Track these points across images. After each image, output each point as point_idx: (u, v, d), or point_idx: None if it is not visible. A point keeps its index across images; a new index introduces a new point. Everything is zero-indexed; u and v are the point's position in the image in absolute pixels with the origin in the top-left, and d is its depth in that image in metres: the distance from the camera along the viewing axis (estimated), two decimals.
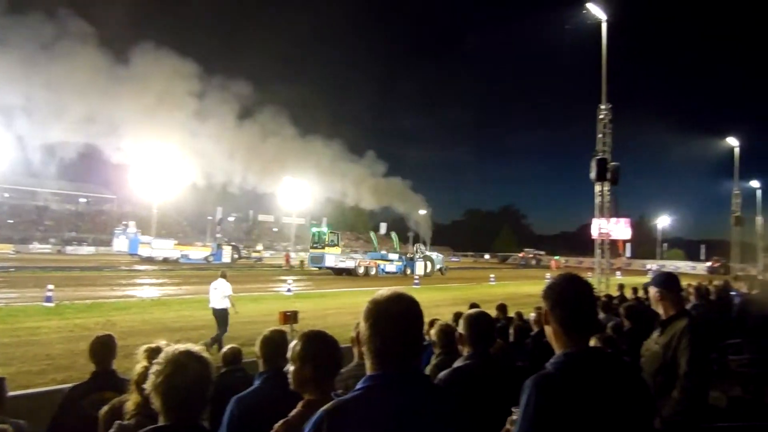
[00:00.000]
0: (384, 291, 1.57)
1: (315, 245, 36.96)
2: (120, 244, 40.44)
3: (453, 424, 1.54)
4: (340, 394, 2.05)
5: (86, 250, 52.70)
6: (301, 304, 15.36)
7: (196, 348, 1.91)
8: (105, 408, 2.92)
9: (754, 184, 45.73)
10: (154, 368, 1.84)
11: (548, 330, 1.82)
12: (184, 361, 1.82)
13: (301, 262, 42.11)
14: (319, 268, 35.97)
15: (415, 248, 43.45)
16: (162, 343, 2.66)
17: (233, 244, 47.91)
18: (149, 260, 38.09)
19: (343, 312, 15.56)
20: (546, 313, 1.81)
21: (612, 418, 1.62)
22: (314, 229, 39.07)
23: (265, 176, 47.90)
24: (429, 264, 40.91)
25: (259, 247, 53.04)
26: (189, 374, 1.80)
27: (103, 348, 3.59)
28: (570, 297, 1.77)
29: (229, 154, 43.97)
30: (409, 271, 38.70)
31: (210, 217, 55.88)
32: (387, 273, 37.44)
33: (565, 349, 1.73)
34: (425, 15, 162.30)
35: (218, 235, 49.31)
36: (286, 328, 9.13)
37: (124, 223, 43.73)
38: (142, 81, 38.46)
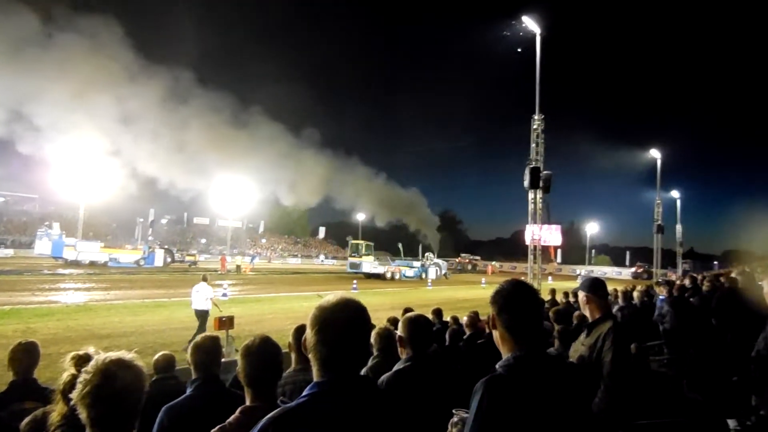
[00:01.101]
0: (331, 297, 1.54)
1: (353, 254, 45.18)
2: (42, 246, 38.05)
3: (398, 428, 1.55)
4: (285, 401, 2.04)
5: (4, 252, 49.22)
6: (237, 309, 15.02)
7: (128, 356, 1.82)
8: (27, 419, 2.75)
9: (675, 194, 48.44)
10: (82, 377, 1.74)
11: (496, 334, 1.86)
12: (113, 370, 1.73)
13: (237, 266, 41.27)
14: (356, 273, 41.83)
15: (426, 256, 50.85)
16: (90, 350, 2.53)
17: (166, 247, 46.32)
18: (75, 264, 36.17)
19: (279, 317, 15.40)
20: (493, 318, 1.86)
21: (559, 417, 1.68)
22: (352, 241, 47.70)
23: (203, 175, 46.72)
24: (438, 269, 48.42)
25: (193, 250, 51.57)
26: (118, 384, 1.72)
27: (26, 355, 3.39)
28: (516, 302, 1.82)
29: (164, 150, 42.41)
30: (423, 276, 45.07)
31: (141, 219, 53.69)
32: (407, 277, 43.60)
33: (513, 352, 1.77)
34: (357, 21, 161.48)
35: (150, 238, 47.57)
36: (221, 333, 8.95)
37: (46, 224, 41.38)
38: (65, 62, 36.01)
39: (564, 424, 1.69)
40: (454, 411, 1.80)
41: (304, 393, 1.47)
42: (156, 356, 4.38)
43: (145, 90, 40.97)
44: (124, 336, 11.78)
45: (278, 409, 1.44)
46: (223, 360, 3.39)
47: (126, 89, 40.05)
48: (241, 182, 48.51)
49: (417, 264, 48.06)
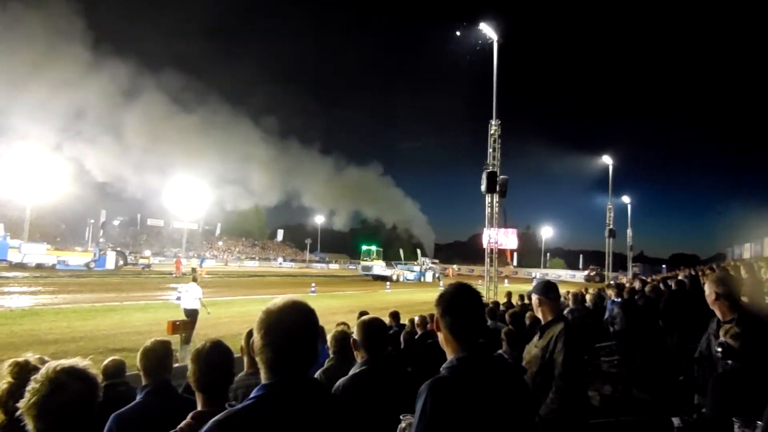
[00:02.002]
0: (278, 300, 1.54)
1: (365, 258, 49.95)
2: None
3: (347, 431, 1.55)
4: (233, 405, 2.01)
5: None
6: None
7: (82, 364, 1.75)
8: None
9: (626, 199, 50.00)
10: (30, 386, 1.65)
11: (440, 336, 1.90)
12: (63, 380, 1.65)
13: (193, 269, 40.29)
14: (367, 275, 47.05)
15: (422, 261, 54.88)
16: (30, 356, 2.42)
17: (118, 249, 44.89)
18: (20, 266, 34.69)
19: (236, 320, 15.14)
20: (437, 321, 1.89)
21: (501, 417, 1.71)
22: (365, 247, 51.34)
23: (158, 173, 45.54)
24: (433, 272, 52.16)
25: (147, 252, 50.26)
26: (68, 395, 1.64)
27: None
28: (458, 305, 1.86)
29: (116, 147, 41.08)
30: (422, 279, 49.75)
31: (92, 221, 51.86)
32: (408, 280, 47.81)
33: (457, 354, 1.80)
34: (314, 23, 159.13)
35: (101, 240, 45.98)
36: (175, 338, 8.76)
37: None
38: (7, 52, 34.43)
39: (508, 424, 1.73)
40: (401, 417, 1.81)
41: (251, 395, 1.46)
42: (105, 361, 4.23)
43: (97, 83, 39.65)
44: (72, 341, 11.36)
45: (224, 411, 1.43)
46: (176, 365, 3.32)
47: (76, 82, 38.57)
48: (197, 182, 47.70)
49: (416, 268, 52.33)
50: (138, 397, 2.69)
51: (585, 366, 3.37)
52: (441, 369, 1.79)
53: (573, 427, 3.23)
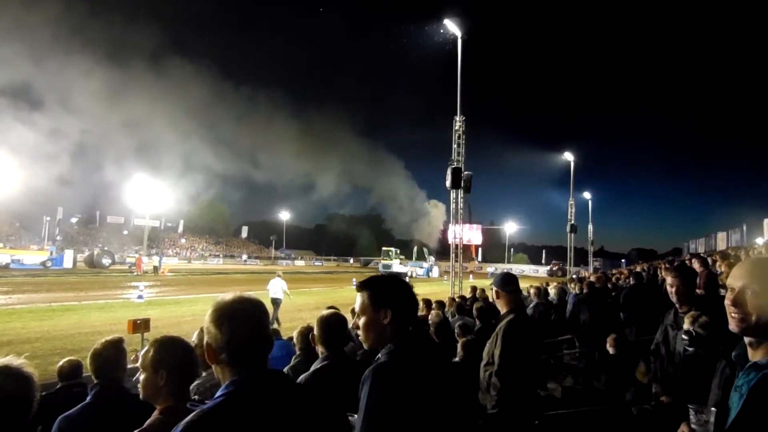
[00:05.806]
0: (226, 296, 1.54)
1: (386, 258, 57.05)
2: None
3: (319, 423, 1.53)
4: (197, 402, 1.96)
5: None
6: (154, 312, 14.46)
7: (15, 362, 1.68)
8: None
9: (587, 195, 50.95)
10: None
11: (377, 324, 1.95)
12: None
13: (154, 267, 39.38)
14: (387, 272, 46.30)
15: (429, 259, 61.24)
16: None
17: (105, 248, 43.46)
18: None
19: (199, 319, 14.73)
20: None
21: (439, 397, 1.78)
22: (384, 248, 60.62)
23: (117, 166, 44.20)
24: (438, 269, 57.19)
25: (133, 252, 49.04)
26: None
27: None
28: (402, 296, 1.93)
29: (73, 135, 39.62)
30: (430, 274, 55.06)
31: (48, 218, 50.16)
32: (419, 276, 52.45)
33: (394, 340, 1.85)
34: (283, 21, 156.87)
35: (58, 238, 44.59)
36: (136, 337, 8.56)
37: None
38: None
39: (444, 404, 1.80)
40: (350, 417, 1.81)
41: (219, 393, 1.43)
42: (61, 362, 4.10)
43: (53, 61, 37.96)
44: (27, 342, 10.99)
45: (194, 412, 1.37)
46: (135, 365, 3.23)
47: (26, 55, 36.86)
48: (157, 178, 46.61)
49: (426, 265, 58.06)
50: (87, 398, 2.61)
51: (532, 361, 3.31)
52: (380, 355, 1.83)
53: (517, 424, 3.17)
